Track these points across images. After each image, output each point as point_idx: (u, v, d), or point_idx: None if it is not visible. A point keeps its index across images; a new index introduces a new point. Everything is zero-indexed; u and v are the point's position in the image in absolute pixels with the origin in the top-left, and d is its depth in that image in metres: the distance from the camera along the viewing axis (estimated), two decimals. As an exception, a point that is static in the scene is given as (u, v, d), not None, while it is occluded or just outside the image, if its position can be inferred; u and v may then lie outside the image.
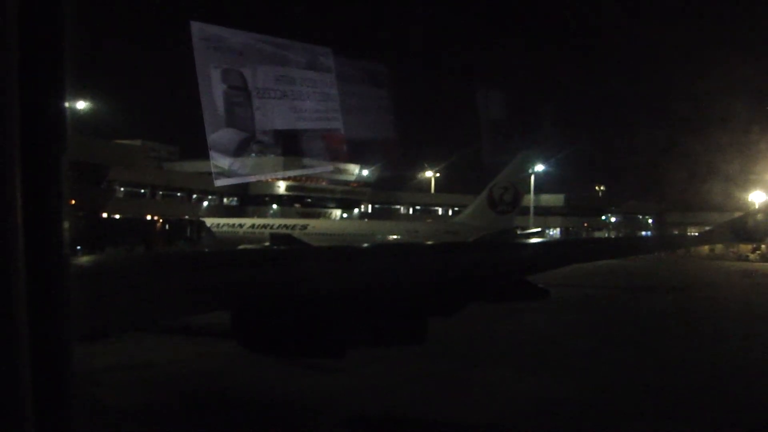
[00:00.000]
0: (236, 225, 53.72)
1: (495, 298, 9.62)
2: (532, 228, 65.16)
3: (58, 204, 2.09)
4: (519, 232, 54.75)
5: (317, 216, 74.88)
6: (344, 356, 6.96)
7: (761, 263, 69.62)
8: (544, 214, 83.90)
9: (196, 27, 11.80)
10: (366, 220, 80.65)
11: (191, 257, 8.94)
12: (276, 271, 6.04)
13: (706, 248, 72.78)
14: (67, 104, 2.15)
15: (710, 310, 29.16)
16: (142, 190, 70.86)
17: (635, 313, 27.82)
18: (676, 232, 72.25)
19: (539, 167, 65.85)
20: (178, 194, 76.24)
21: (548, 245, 17.15)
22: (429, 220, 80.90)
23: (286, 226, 51.75)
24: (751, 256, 74.36)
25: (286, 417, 11.56)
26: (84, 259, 5.39)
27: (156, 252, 36.37)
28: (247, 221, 56.47)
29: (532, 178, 62.95)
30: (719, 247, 73.78)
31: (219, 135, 13.06)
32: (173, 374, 14.57)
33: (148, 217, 55.67)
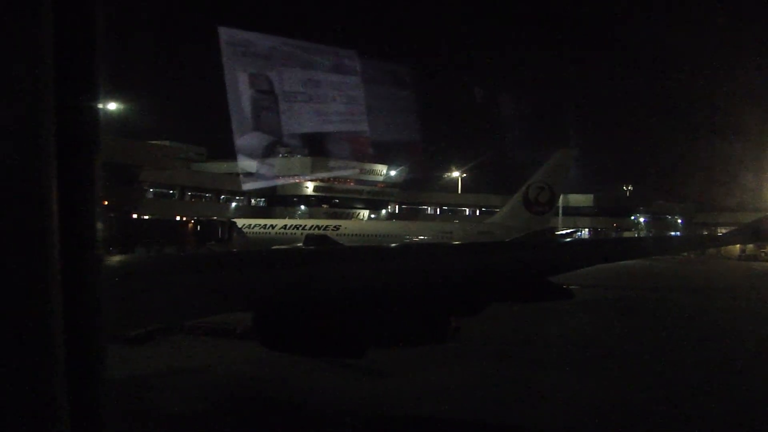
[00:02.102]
0: (268, 226, 53.53)
1: (518, 299, 9.64)
2: (562, 228, 64.57)
3: (91, 205, 2.13)
4: (556, 233, 54.36)
5: (345, 217, 74.89)
6: (364, 356, 7.05)
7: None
8: (573, 214, 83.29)
9: (225, 32, 11.94)
10: (394, 220, 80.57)
11: (213, 258, 9.03)
12: (296, 272, 6.12)
13: (736, 249, 71.64)
14: (100, 106, 2.23)
15: (737, 313, 28.84)
16: (171, 191, 71.53)
17: (663, 315, 27.59)
18: (705, 233, 71.13)
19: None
20: (207, 195, 76.99)
21: (570, 245, 17.07)
22: (456, 221, 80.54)
23: (318, 227, 51.43)
24: (784, 257, 73.07)
25: (334, 420, 11.66)
26: (113, 259, 5.52)
27: (178, 253, 36.61)
28: (279, 222, 56.23)
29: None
30: (750, 248, 72.56)
31: (247, 138, 13.19)
32: (226, 378, 14.69)
33: (178, 218, 56.19)
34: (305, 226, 52.52)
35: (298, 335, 6.50)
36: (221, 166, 73.70)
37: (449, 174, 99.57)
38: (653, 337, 21.50)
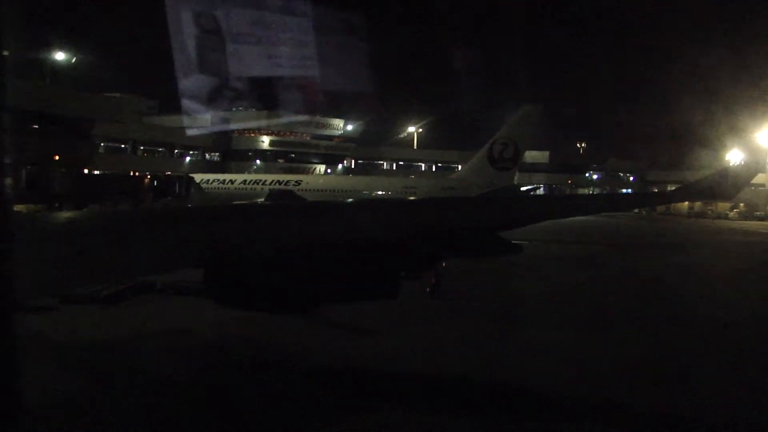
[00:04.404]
0: (227, 181, 52.51)
1: (469, 254, 9.77)
2: (520, 185, 64.89)
3: None
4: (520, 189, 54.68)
5: (301, 171, 74.26)
6: (316, 310, 7.11)
7: (740, 221, 70.43)
8: (529, 170, 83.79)
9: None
10: (351, 175, 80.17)
11: (165, 214, 8.91)
12: (246, 228, 6.12)
13: (685, 206, 73.37)
14: (5, 53, 2.08)
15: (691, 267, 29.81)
16: (123, 145, 69.75)
17: (621, 269, 28.52)
18: (656, 190, 72.55)
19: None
20: (160, 149, 75.31)
21: (520, 202, 17.35)
22: (412, 177, 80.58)
23: (279, 182, 50.83)
24: (731, 215, 74.96)
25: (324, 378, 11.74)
26: (64, 215, 5.44)
27: (132, 208, 36.02)
28: (239, 177, 55.06)
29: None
30: (698, 206, 74.38)
31: (191, 81, 12.79)
32: (204, 338, 14.36)
33: (132, 173, 55.06)
34: (265, 181, 51.70)
35: (251, 292, 6.52)
36: (174, 120, 71.94)
37: (406, 129, 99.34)
38: (624, 290, 22.30)
